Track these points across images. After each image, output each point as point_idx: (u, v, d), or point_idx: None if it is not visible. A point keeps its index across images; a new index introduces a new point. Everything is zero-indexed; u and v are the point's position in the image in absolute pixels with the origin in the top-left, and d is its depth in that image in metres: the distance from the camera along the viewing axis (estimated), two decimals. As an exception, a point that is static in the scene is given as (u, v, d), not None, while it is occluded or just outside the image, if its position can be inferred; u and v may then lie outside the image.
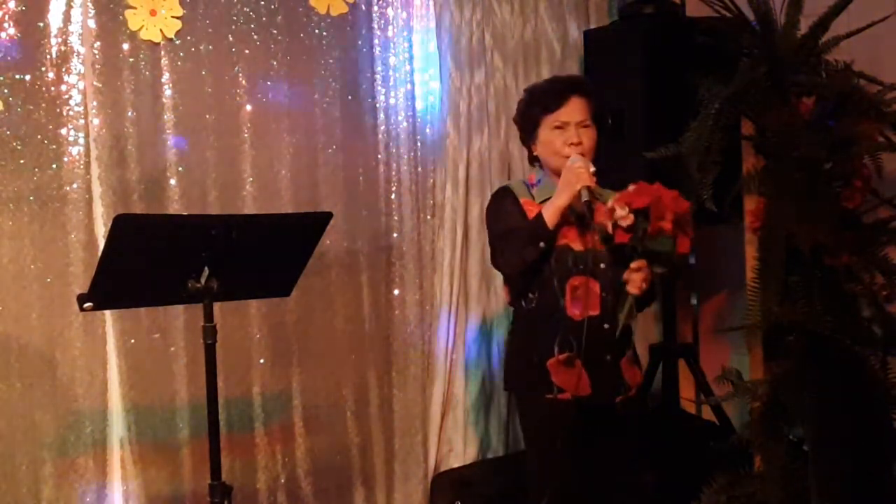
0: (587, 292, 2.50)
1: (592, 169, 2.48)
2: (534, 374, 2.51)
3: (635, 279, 2.33)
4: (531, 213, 2.55)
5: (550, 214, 2.44)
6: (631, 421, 2.62)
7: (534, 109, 2.59)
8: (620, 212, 2.30)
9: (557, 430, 2.47)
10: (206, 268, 2.30)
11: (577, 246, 2.51)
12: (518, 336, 2.66)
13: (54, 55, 2.92)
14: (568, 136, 2.54)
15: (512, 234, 2.52)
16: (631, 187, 2.36)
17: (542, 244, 2.45)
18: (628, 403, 2.59)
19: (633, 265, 2.34)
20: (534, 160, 2.68)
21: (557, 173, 2.57)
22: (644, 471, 2.76)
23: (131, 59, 3.03)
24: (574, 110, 2.56)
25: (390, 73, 3.44)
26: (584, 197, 2.42)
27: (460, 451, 3.55)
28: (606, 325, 2.51)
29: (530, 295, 2.56)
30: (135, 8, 3.00)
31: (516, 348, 2.67)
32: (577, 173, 2.43)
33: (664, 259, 2.34)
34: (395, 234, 3.47)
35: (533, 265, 2.48)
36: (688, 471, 2.72)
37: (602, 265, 2.52)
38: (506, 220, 2.57)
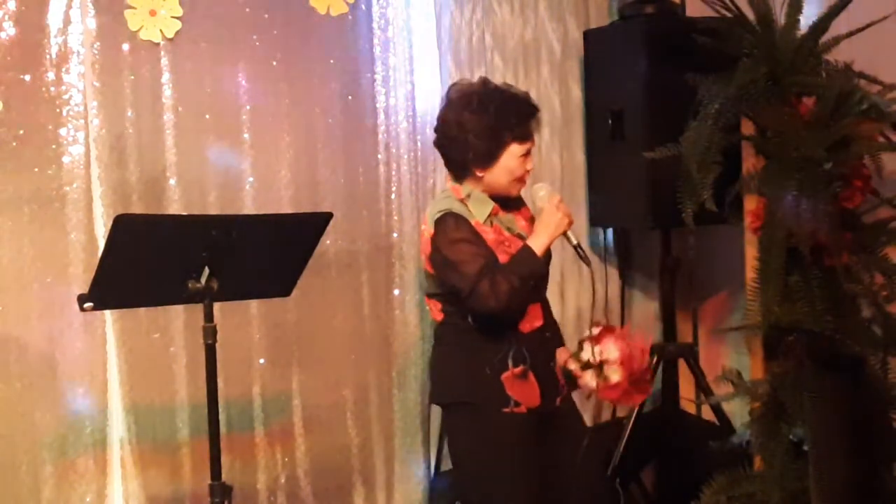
0: (531, 305, 2.53)
1: None
2: (488, 388, 2.46)
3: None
4: (486, 235, 2.46)
5: (540, 251, 2.43)
6: (573, 417, 2.65)
7: (502, 134, 2.44)
8: (613, 373, 2.47)
9: (516, 443, 2.47)
10: (206, 268, 2.30)
11: None
12: (459, 351, 2.55)
13: (54, 55, 2.92)
14: (527, 161, 2.51)
15: (496, 270, 2.39)
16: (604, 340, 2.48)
17: (532, 282, 2.44)
18: (565, 401, 2.62)
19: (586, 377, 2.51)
20: (463, 176, 2.53)
21: (499, 194, 2.53)
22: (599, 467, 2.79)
23: (131, 59, 3.03)
24: (534, 136, 2.54)
25: (390, 73, 3.44)
26: (573, 240, 2.49)
27: (460, 451, 3.54)
28: (548, 334, 2.58)
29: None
30: (135, 8, 3.00)
31: (458, 363, 2.55)
32: (564, 211, 2.46)
33: None
34: (395, 234, 3.46)
35: (523, 301, 2.47)
36: (688, 471, 2.72)
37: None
38: (476, 254, 2.42)
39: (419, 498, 3.47)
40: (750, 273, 2.60)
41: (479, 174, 2.49)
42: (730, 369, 2.72)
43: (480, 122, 2.43)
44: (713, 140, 2.52)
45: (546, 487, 2.49)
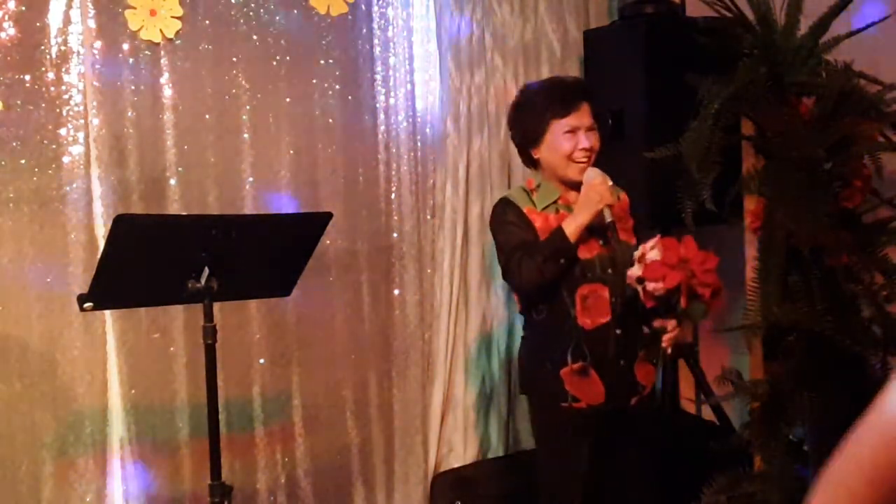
0: (597, 300, 2.51)
1: (609, 183, 2.52)
2: (547, 382, 2.52)
3: (668, 339, 2.41)
4: (536, 222, 2.54)
5: (572, 231, 2.45)
6: (647, 419, 2.63)
7: (543, 113, 2.56)
8: (653, 285, 2.33)
9: (572, 438, 2.51)
10: (206, 268, 2.30)
11: (584, 254, 2.51)
12: (531, 344, 2.65)
13: (54, 55, 2.92)
14: (578, 141, 2.55)
15: (527, 248, 2.49)
16: (654, 246, 2.36)
17: (562, 261, 2.45)
18: (643, 403, 2.61)
19: (667, 326, 2.40)
20: (532, 164, 2.67)
21: (561, 178, 2.59)
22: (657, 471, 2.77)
23: (131, 59, 3.03)
24: (583, 115, 2.58)
25: (390, 73, 3.44)
26: (608, 217, 2.47)
27: (460, 451, 3.54)
28: (618, 331, 2.52)
29: (540, 305, 2.55)
30: (135, 8, 3.00)
31: (530, 356, 2.65)
32: (600, 192, 2.47)
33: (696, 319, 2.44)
34: (395, 234, 3.46)
35: (552, 280, 2.48)
36: (688, 471, 2.72)
37: (609, 270, 2.53)
38: (515, 234, 2.54)
39: (419, 498, 3.47)
40: (750, 273, 2.59)
41: (535, 156, 2.62)
42: (730, 369, 2.71)
43: (527, 105, 2.63)
44: (713, 140, 2.52)
45: (601, 485, 2.52)
